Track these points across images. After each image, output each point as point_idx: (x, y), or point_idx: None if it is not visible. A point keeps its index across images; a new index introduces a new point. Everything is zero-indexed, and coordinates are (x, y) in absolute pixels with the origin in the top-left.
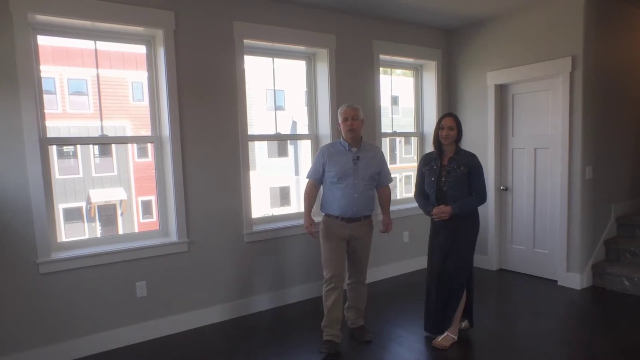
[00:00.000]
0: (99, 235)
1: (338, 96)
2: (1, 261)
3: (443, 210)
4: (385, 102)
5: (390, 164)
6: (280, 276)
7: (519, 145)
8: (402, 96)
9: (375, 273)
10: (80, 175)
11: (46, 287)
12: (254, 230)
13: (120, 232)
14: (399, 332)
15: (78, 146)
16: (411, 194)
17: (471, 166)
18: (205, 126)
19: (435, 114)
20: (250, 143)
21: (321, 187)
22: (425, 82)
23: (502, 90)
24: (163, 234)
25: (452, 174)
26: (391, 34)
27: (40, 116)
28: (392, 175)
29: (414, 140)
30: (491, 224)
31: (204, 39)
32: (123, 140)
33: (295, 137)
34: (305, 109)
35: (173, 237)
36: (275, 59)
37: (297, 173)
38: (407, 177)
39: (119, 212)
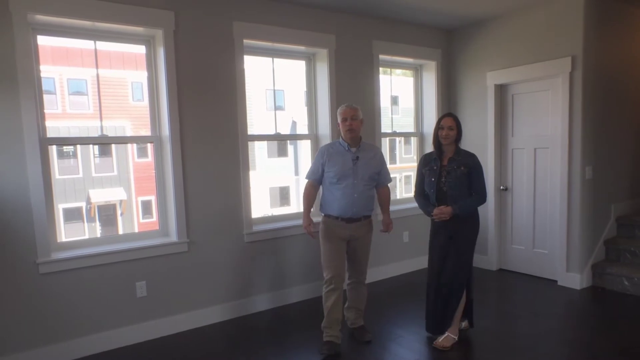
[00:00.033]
0: (98, 235)
1: (338, 96)
2: (1, 261)
3: (443, 211)
4: (385, 102)
5: (390, 164)
6: (280, 276)
7: (519, 145)
8: (402, 96)
9: (375, 273)
10: (80, 175)
11: (46, 287)
12: (254, 230)
13: (120, 232)
14: (399, 332)
15: (78, 146)
16: (411, 194)
17: (471, 166)
18: (205, 126)
19: (435, 114)
20: (250, 143)
21: (320, 187)
22: (425, 82)
23: (501, 90)
24: (163, 234)
25: (452, 174)
26: (391, 34)
27: (40, 116)
28: (392, 176)
29: (413, 140)
30: (491, 224)
31: (204, 39)
32: (123, 140)
33: (295, 137)
34: (305, 109)
35: (173, 237)
36: (275, 59)
37: (296, 173)
38: (407, 177)
39: (118, 212)
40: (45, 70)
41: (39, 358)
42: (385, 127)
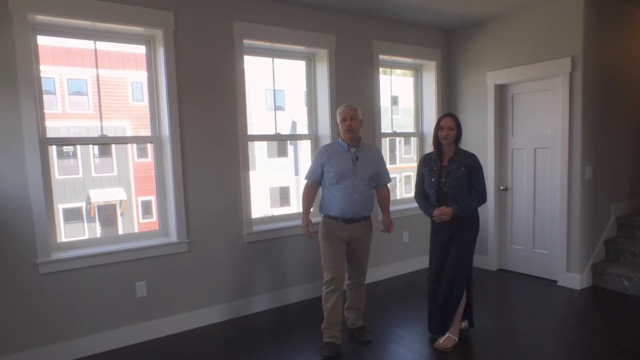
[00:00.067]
0: (98, 235)
1: (338, 96)
2: (1, 261)
3: (444, 212)
4: (385, 102)
5: (390, 164)
6: (280, 276)
7: (519, 146)
8: (402, 96)
9: (376, 273)
10: (80, 175)
11: (46, 287)
12: (254, 231)
13: (120, 232)
14: (399, 332)
15: (78, 146)
16: (411, 194)
17: (471, 166)
18: (205, 126)
19: (434, 114)
20: (250, 143)
21: (320, 188)
22: (425, 82)
23: (501, 90)
24: (163, 234)
25: (452, 174)
26: (391, 34)
27: (40, 116)
28: (392, 176)
29: (413, 141)
30: (491, 224)
31: (204, 39)
32: (123, 141)
33: (295, 137)
34: (305, 109)
35: (173, 237)
36: (275, 59)
37: (296, 173)
38: (407, 177)
39: (118, 212)
40: (45, 70)
41: (39, 358)
42: (385, 127)
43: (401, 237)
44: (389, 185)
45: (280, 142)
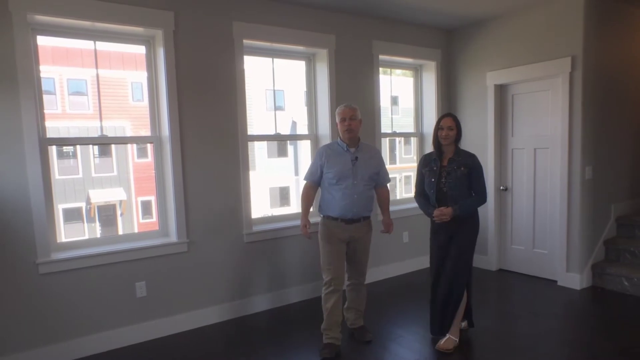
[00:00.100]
0: (98, 235)
1: (338, 96)
2: (1, 261)
3: (444, 212)
4: (384, 102)
5: (390, 164)
6: (279, 276)
7: (519, 146)
8: (402, 96)
9: (376, 273)
10: (80, 175)
11: (46, 287)
12: (254, 231)
13: (120, 232)
14: (399, 332)
15: (78, 146)
16: (411, 194)
17: (471, 167)
18: (205, 126)
19: (434, 114)
20: (249, 143)
21: (319, 189)
22: (425, 82)
23: (501, 91)
24: (163, 234)
25: (452, 174)
26: (391, 34)
27: (39, 116)
28: (392, 176)
29: (413, 141)
30: (491, 224)
31: (204, 39)
32: (123, 141)
33: (294, 137)
34: (304, 109)
35: (173, 238)
36: (275, 59)
37: (296, 173)
38: (407, 178)
39: (118, 212)
40: (45, 71)
41: (39, 358)
42: (385, 127)
43: (401, 237)
44: (388, 185)
45: (280, 142)
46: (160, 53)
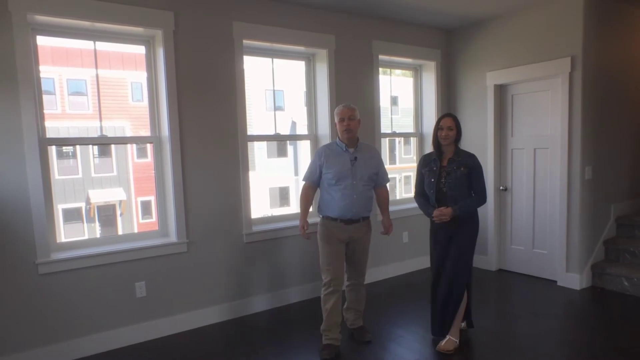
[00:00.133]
0: (98, 235)
1: (337, 96)
2: (1, 261)
3: (444, 213)
4: (384, 102)
5: (389, 164)
6: (279, 276)
7: (519, 146)
8: (402, 96)
9: (375, 273)
10: (80, 175)
11: (46, 287)
12: (254, 231)
13: (120, 232)
14: (399, 332)
15: (77, 146)
16: (410, 194)
17: (471, 167)
18: (204, 126)
19: (434, 114)
20: (249, 143)
21: (318, 189)
22: (425, 82)
23: (501, 91)
24: (162, 234)
25: (451, 174)
26: (391, 34)
27: (39, 116)
28: (392, 176)
29: (413, 141)
30: (490, 224)
31: (204, 40)
32: (122, 141)
33: (294, 137)
34: (304, 110)
35: (172, 238)
36: (275, 60)
37: (296, 173)
38: (407, 178)
39: (118, 212)
40: (45, 71)
41: (39, 358)
42: (384, 128)
43: (401, 238)
44: (387, 185)
45: (280, 142)
46: (160, 53)
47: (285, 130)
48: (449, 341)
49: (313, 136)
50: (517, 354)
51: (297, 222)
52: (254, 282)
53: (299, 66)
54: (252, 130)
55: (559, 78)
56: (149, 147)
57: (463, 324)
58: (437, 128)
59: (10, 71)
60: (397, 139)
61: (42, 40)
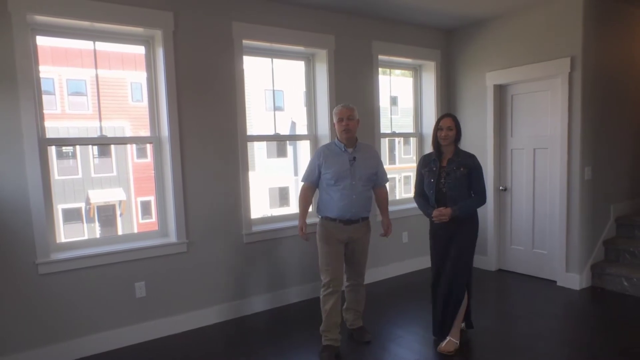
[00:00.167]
0: (98, 235)
1: (337, 97)
2: (0, 262)
3: (443, 213)
4: (384, 102)
5: (389, 164)
6: (279, 276)
7: (518, 146)
8: (401, 96)
9: (375, 273)
10: (80, 175)
11: (45, 287)
12: (253, 231)
13: (120, 232)
14: (399, 332)
15: (77, 147)
16: (410, 195)
17: (471, 167)
18: (204, 127)
19: (434, 115)
20: (249, 143)
21: (316, 190)
22: (425, 82)
23: (501, 91)
24: (162, 234)
25: (451, 175)
26: (390, 35)
27: (39, 117)
28: (392, 176)
29: (413, 141)
30: (490, 225)
31: (203, 40)
32: (122, 141)
33: (294, 137)
34: (304, 110)
35: (172, 238)
36: (274, 60)
37: (296, 173)
38: (406, 178)
39: (118, 212)
40: (45, 71)
41: (39, 358)
42: (384, 128)
43: (400, 238)
44: (387, 185)
45: (280, 142)
46: (160, 53)
47: (285, 131)
48: (450, 342)
49: (313, 136)
50: (517, 354)
51: (296, 223)
52: (253, 282)
53: (299, 66)
54: (251, 130)
55: (558, 78)
56: (148, 147)
57: (462, 325)
58: (437, 128)
59: (10, 71)
60: (396, 139)
61: (41, 41)
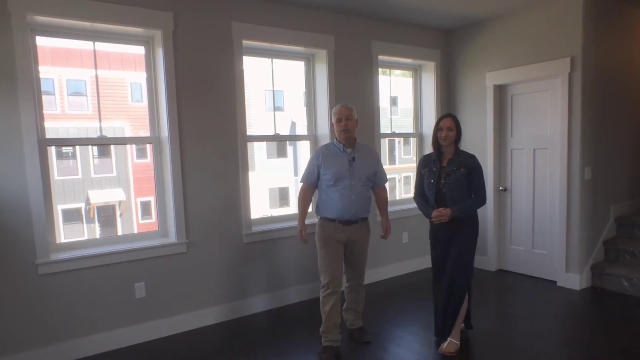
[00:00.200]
0: (97, 236)
1: (337, 97)
2: (0, 262)
3: (443, 213)
4: (384, 102)
5: (389, 164)
6: (279, 277)
7: (518, 146)
8: (401, 97)
9: (375, 274)
10: (79, 176)
11: (45, 287)
12: (253, 231)
13: (119, 233)
14: (399, 332)
15: (77, 147)
16: (410, 195)
17: (471, 167)
18: (204, 127)
19: (434, 115)
20: (249, 144)
21: (316, 191)
22: (424, 82)
23: (501, 91)
24: (162, 234)
25: (451, 175)
26: (390, 35)
27: (39, 117)
28: (391, 176)
29: (413, 141)
30: (490, 225)
31: (203, 40)
32: (122, 141)
33: (294, 137)
34: (304, 110)
35: (172, 238)
36: (274, 60)
37: (296, 174)
38: (406, 178)
39: (117, 213)
40: (44, 71)
41: (39, 358)
42: (384, 128)
43: (400, 238)
44: (387, 185)
45: (280, 142)
46: (160, 54)
47: (284, 131)
48: (450, 343)
49: (312, 136)
50: (517, 354)
51: (296, 223)
52: (253, 283)
53: (299, 66)
54: (251, 130)
55: (558, 78)
56: (148, 147)
57: (462, 325)
58: (437, 128)
59: (10, 71)
60: (396, 140)
61: (41, 41)
